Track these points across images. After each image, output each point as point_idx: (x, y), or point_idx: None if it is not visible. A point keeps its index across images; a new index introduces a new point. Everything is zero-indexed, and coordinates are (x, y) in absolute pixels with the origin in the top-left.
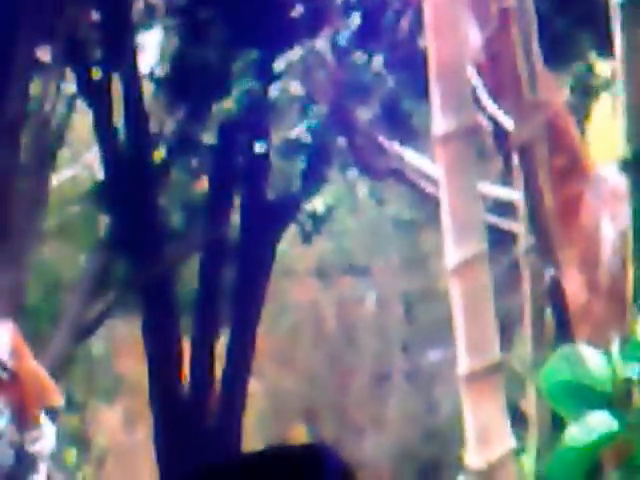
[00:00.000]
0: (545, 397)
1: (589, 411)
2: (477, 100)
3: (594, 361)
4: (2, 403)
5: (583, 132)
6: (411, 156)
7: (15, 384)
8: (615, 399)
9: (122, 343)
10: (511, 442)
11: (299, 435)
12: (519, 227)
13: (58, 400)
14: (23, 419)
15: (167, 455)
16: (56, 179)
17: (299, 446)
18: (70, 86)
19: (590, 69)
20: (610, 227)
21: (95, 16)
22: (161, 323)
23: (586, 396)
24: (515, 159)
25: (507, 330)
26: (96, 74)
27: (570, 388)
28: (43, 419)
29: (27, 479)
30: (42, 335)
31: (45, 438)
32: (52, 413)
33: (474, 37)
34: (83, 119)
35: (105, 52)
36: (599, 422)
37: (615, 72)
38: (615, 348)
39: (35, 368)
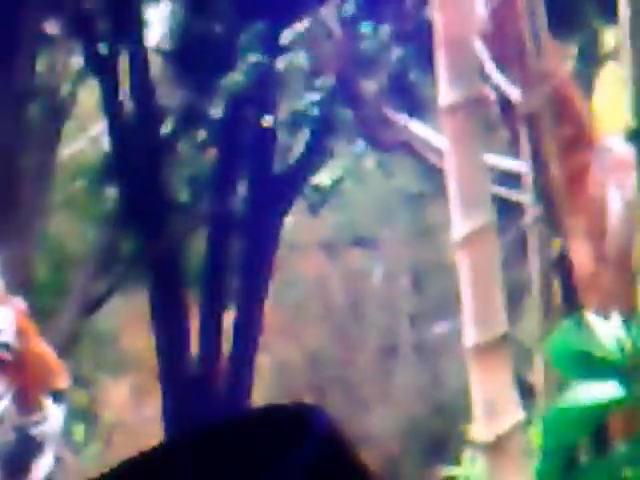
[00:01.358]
0: (553, 367)
1: (597, 380)
2: (483, 71)
3: (603, 330)
4: (5, 385)
5: (589, 102)
6: (418, 128)
7: (19, 366)
8: (624, 368)
9: (130, 317)
10: (519, 414)
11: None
12: (526, 198)
13: (64, 382)
14: (27, 401)
15: (175, 430)
16: (63, 153)
17: (284, 406)
18: (77, 60)
19: (595, 38)
20: (617, 197)
21: None
22: (168, 297)
23: (595, 365)
24: (521, 130)
25: (514, 301)
26: (103, 48)
27: (579, 357)
28: (49, 401)
29: (31, 461)
30: (50, 310)
31: (50, 420)
32: (60, 394)
33: (480, 7)
34: (90, 93)
35: (112, 26)
36: (606, 389)
37: (620, 41)
38: (624, 317)
39: (41, 350)
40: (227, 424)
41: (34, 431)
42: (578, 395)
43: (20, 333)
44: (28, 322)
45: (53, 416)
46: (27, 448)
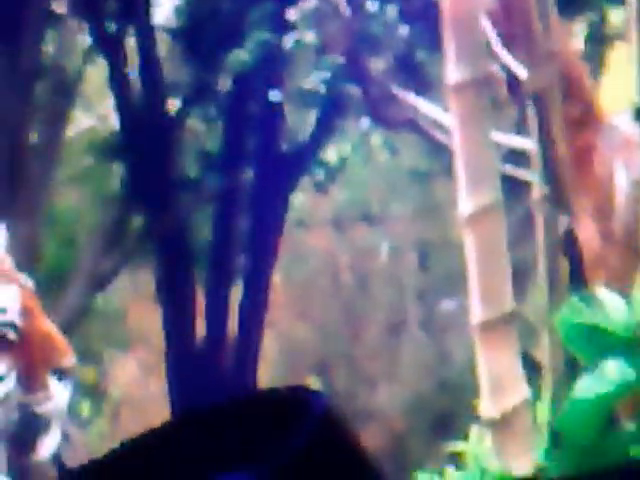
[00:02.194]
0: (561, 343)
1: (606, 356)
2: (490, 49)
3: (612, 305)
4: (9, 364)
5: (597, 81)
6: (425, 106)
7: (24, 344)
8: (633, 343)
9: (137, 295)
10: (525, 391)
11: (312, 386)
12: (533, 176)
13: (70, 361)
14: (31, 380)
15: (181, 407)
16: (71, 131)
17: (284, 388)
18: (85, 38)
19: (603, 18)
20: (624, 176)
21: None
22: (175, 274)
23: (604, 340)
24: (529, 108)
25: (521, 279)
26: (111, 26)
27: (588, 332)
28: (54, 379)
29: (37, 440)
30: (57, 287)
31: (56, 399)
32: (65, 373)
33: None
34: (98, 71)
35: (119, 4)
36: (614, 371)
37: (628, 20)
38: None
39: (47, 328)
40: (228, 406)
41: (39, 409)
42: (588, 384)
43: (25, 311)
44: (34, 300)
45: (58, 394)
46: (32, 426)
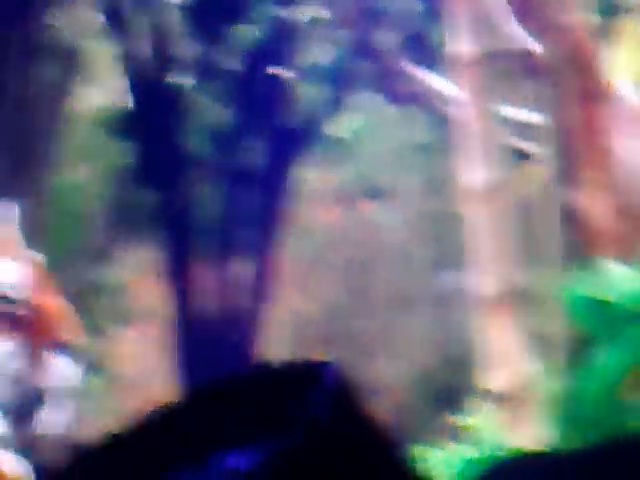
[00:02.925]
0: (569, 316)
1: (614, 328)
2: (501, 23)
3: (620, 278)
4: (18, 339)
5: (608, 54)
6: (433, 80)
7: (33, 320)
8: None
9: (141, 269)
10: (532, 365)
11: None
12: (543, 149)
13: (76, 334)
14: (39, 355)
15: (187, 382)
16: (79, 107)
17: (297, 361)
18: (94, 14)
19: None
20: (633, 149)
21: None
22: (183, 249)
23: (611, 312)
24: (539, 82)
25: (527, 253)
26: (120, 2)
27: (595, 305)
28: (62, 354)
29: (42, 413)
30: (64, 262)
31: (63, 373)
32: (72, 348)
33: None
34: (108, 47)
35: None
36: (623, 343)
37: None
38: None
39: (55, 304)
40: (241, 379)
41: (47, 384)
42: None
43: (33, 287)
44: (42, 276)
45: (66, 369)
46: (40, 402)
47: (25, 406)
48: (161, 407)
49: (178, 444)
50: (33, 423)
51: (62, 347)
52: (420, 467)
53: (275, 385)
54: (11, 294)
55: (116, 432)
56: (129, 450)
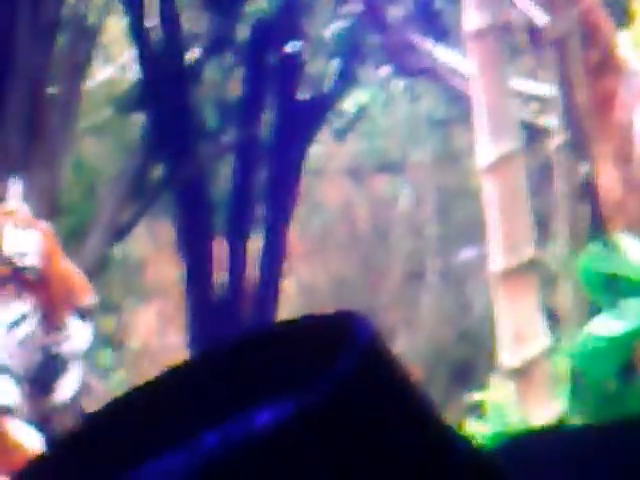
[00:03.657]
0: (581, 290)
1: (628, 301)
2: None
3: (632, 251)
4: (31, 305)
5: (617, 26)
6: (444, 53)
7: (45, 286)
8: None
9: (156, 244)
10: (546, 340)
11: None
12: (553, 123)
13: (90, 300)
14: (53, 321)
15: None
16: (90, 82)
17: (327, 314)
18: None
19: None
20: None
21: None
22: (195, 223)
23: (624, 286)
24: (549, 55)
25: (541, 227)
26: None
27: (608, 279)
28: (75, 319)
29: (57, 379)
30: (78, 236)
31: (76, 338)
32: (86, 312)
33: None
34: (118, 21)
35: None
36: (633, 311)
37: None
38: None
39: (66, 268)
40: (265, 333)
41: (60, 350)
42: (606, 322)
43: (46, 254)
44: (54, 243)
45: (79, 334)
46: (53, 367)
47: (39, 373)
48: (178, 366)
49: (198, 404)
50: (47, 391)
51: (75, 313)
52: (454, 427)
53: (301, 338)
54: (22, 261)
55: (128, 394)
56: (143, 412)
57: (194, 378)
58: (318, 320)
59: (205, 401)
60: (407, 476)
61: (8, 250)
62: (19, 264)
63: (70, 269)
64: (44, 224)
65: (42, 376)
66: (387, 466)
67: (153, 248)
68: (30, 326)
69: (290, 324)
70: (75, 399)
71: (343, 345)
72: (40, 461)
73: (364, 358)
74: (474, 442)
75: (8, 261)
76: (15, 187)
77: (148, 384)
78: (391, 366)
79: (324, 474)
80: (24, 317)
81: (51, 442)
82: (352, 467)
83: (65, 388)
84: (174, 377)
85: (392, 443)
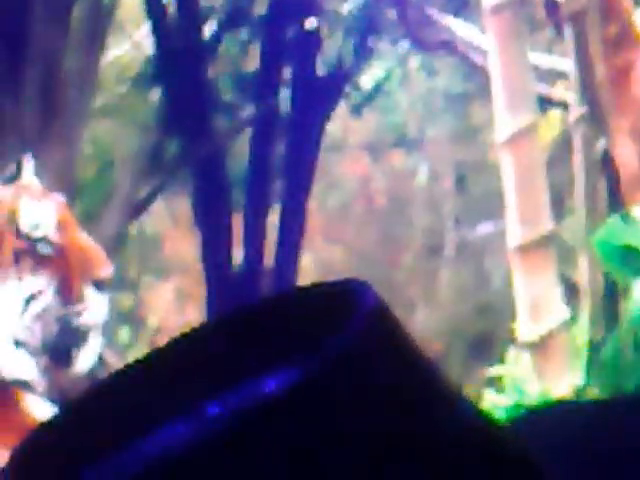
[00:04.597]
0: (599, 264)
1: None
2: None
3: None
4: (46, 279)
5: (635, 1)
6: (462, 28)
7: (60, 258)
8: None
9: (174, 221)
10: (563, 314)
11: None
12: (570, 97)
13: (107, 271)
14: (69, 292)
15: None
16: (106, 57)
17: (330, 283)
18: None
19: None
20: None
21: None
22: (212, 199)
23: None
24: (566, 28)
25: (559, 201)
26: None
27: (626, 253)
28: (91, 291)
29: (75, 350)
30: (95, 213)
31: (93, 310)
32: (102, 284)
33: None
34: None
35: None
36: None
37: None
38: None
39: (82, 240)
40: (272, 301)
41: (77, 321)
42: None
43: (60, 225)
44: (68, 214)
45: (96, 306)
46: (71, 339)
47: (57, 345)
48: (186, 334)
49: (205, 371)
50: (65, 362)
51: (92, 284)
52: (464, 392)
53: (306, 306)
54: (36, 234)
55: (135, 362)
56: (149, 380)
57: (202, 346)
58: (323, 288)
59: (212, 368)
60: (413, 439)
61: (24, 224)
62: (35, 237)
63: (86, 240)
64: (58, 196)
65: (59, 348)
66: (396, 431)
67: (171, 224)
68: (46, 299)
69: (295, 293)
70: (93, 373)
71: (349, 311)
72: (44, 429)
73: (370, 323)
74: (483, 409)
75: (24, 235)
76: (28, 162)
77: (156, 352)
78: (396, 331)
79: (333, 439)
80: (40, 291)
81: (58, 410)
82: (360, 432)
83: (83, 359)
84: (182, 345)
85: (400, 407)
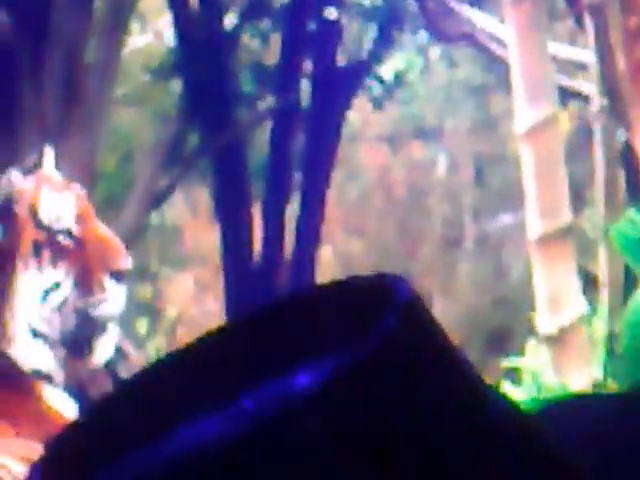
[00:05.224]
0: (618, 256)
1: None
2: None
3: None
4: (65, 270)
5: None
6: (482, 19)
7: (80, 249)
8: None
9: (194, 211)
10: (582, 306)
11: None
12: (591, 88)
13: (126, 263)
14: (88, 284)
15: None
16: (128, 48)
17: (364, 277)
18: None
19: None
20: None
21: None
22: (232, 190)
23: None
24: (587, 19)
25: (578, 193)
26: None
27: None
28: (110, 282)
29: (93, 342)
30: (116, 203)
31: (112, 301)
32: (121, 275)
33: None
34: None
35: None
36: None
37: None
38: None
39: (101, 232)
40: (308, 294)
41: (95, 313)
42: None
43: (80, 217)
44: (87, 206)
45: (115, 297)
46: (89, 330)
47: (75, 336)
48: (217, 330)
49: (238, 367)
50: (83, 353)
51: (110, 275)
52: (495, 386)
53: (340, 300)
54: (57, 225)
55: (167, 357)
56: (182, 375)
57: (234, 341)
58: (357, 283)
59: (246, 363)
60: (450, 434)
61: (44, 215)
62: (55, 229)
63: (104, 231)
64: (77, 187)
65: (78, 339)
66: (430, 425)
67: (190, 215)
68: (65, 291)
69: (329, 287)
70: (111, 364)
71: (383, 306)
72: (74, 426)
73: (405, 318)
74: (514, 403)
75: (44, 226)
76: (49, 153)
77: (187, 347)
78: (431, 326)
79: (365, 434)
80: (59, 283)
81: (86, 408)
82: (395, 426)
83: (101, 350)
84: (214, 340)
85: (435, 401)
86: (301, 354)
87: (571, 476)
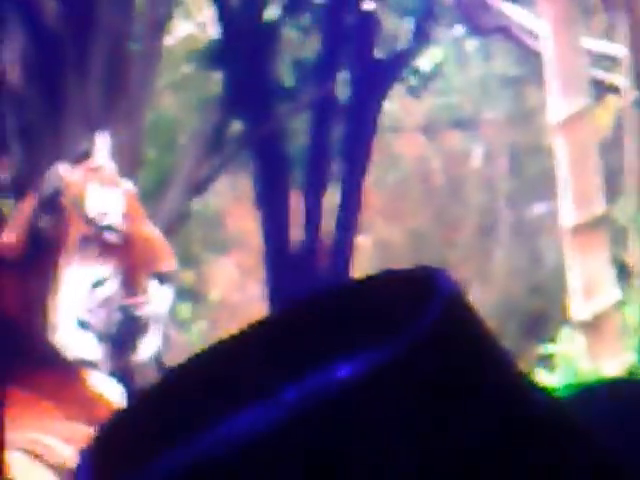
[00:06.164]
0: None
1: None
2: None
3: None
4: (112, 267)
5: None
6: (517, 12)
7: (126, 248)
8: None
9: (236, 198)
10: (616, 294)
11: None
12: (624, 82)
13: (170, 265)
14: (133, 283)
15: (279, 309)
16: (170, 38)
17: (405, 269)
18: None
19: None
20: None
21: None
22: (273, 178)
23: None
24: (620, 13)
25: (611, 183)
26: None
27: None
28: (155, 283)
29: (137, 341)
30: (158, 191)
31: (156, 302)
32: (166, 277)
33: None
34: None
35: None
36: None
37: None
38: None
39: (149, 232)
40: (347, 287)
41: (139, 312)
42: None
43: (128, 216)
44: (137, 205)
45: (159, 298)
46: (132, 328)
47: (119, 333)
48: (258, 321)
49: (279, 358)
50: (127, 350)
51: (156, 275)
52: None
53: (381, 292)
54: (104, 221)
55: (207, 349)
56: (223, 367)
57: (275, 332)
58: (398, 275)
59: (286, 356)
60: (492, 427)
61: (92, 209)
62: (102, 224)
63: (152, 232)
64: (129, 184)
65: (122, 335)
66: (473, 418)
67: (233, 200)
68: (111, 287)
69: (370, 279)
70: (155, 358)
71: (425, 298)
72: (122, 414)
73: (448, 310)
74: (553, 395)
75: (91, 220)
76: (102, 142)
77: (228, 338)
78: (474, 318)
79: (409, 427)
80: (106, 278)
81: (132, 395)
82: (437, 417)
83: (144, 349)
84: (255, 331)
85: (478, 394)
86: (342, 345)
87: (614, 474)
